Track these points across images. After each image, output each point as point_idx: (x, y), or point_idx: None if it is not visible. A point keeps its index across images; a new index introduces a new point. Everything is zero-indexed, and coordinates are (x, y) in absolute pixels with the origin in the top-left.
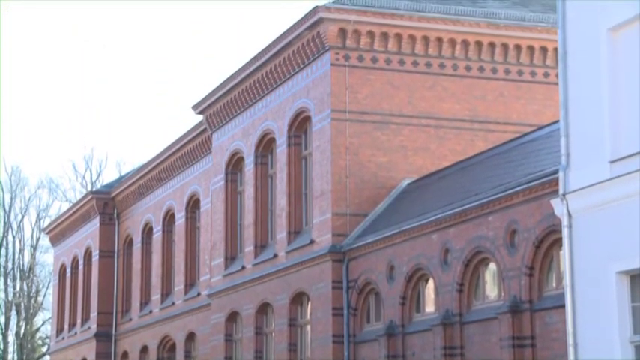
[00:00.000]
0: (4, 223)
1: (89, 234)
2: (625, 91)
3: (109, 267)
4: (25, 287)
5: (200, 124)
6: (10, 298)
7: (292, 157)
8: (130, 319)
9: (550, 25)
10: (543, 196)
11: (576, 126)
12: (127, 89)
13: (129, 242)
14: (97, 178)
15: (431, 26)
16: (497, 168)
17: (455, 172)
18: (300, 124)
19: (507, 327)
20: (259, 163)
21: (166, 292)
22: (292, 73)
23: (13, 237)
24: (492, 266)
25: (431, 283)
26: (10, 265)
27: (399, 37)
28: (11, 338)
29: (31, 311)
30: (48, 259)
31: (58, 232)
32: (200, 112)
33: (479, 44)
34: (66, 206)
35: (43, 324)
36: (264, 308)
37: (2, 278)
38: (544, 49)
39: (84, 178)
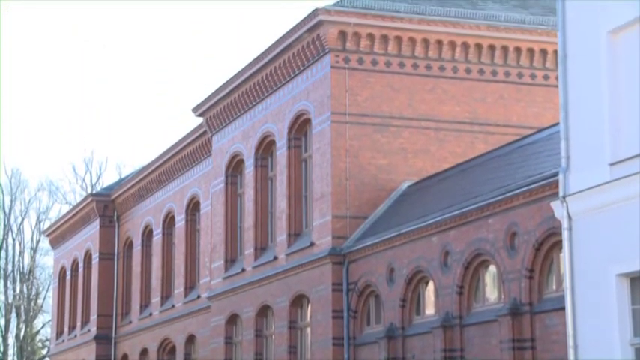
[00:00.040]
0: (4, 225)
1: (89, 236)
2: (625, 94)
3: (109, 269)
4: (25, 290)
5: (200, 126)
6: (10, 301)
7: (292, 160)
8: (130, 322)
9: (550, 28)
10: (543, 199)
11: (576, 128)
12: (127, 89)
13: (129, 245)
14: (97, 181)
15: (431, 29)
16: (498, 170)
17: (455, 175)
18: (300, 126)
19: (507, 329)
20: (259, 165)
21: (166, 294)
22: (292, 75)
23: (13, 239)
24: (492, 269)
25: (431, 286)
26: (10, 268)
27: (399, 39)
28: (11, 341)
29: (31, 314)
30: (48, 261)
31: (58, 235)
32: (200, 115)
33: (479, 47)
34: (66, 209)
35: (43, 326)
36: (264, 311)
37: (2, 281)
38: (544, 52)
39: (84, 180)
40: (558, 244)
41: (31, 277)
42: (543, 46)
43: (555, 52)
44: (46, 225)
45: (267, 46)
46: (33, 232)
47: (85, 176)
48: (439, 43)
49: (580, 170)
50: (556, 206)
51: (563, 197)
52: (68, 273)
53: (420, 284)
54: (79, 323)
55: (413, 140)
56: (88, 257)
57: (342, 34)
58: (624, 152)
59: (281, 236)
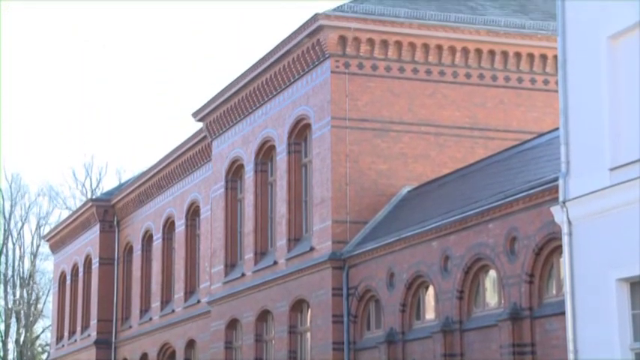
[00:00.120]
0: (4, 230)
1: (89, 241)
2: (625, 99)
3: (108, 274)
4: (25, 295)
5: (200, 131)
6: (10, 306)
7: (292, 165)
8: (130, 327)
9: (550, 33)
10: (543, 204)
11: (576, 133)
12: (127, 90)
13: (129, 250)
14: (97, 186)
15: (431, 34)
16: (497, 175)
17: (455, 180)
18: (300, 131)
19: (507, 334)
20: (259, 170)
21: (166, 299)
22: (292, 80)
23: (13, 244)
24: (492, 273)
25: (431, 291)
26: (10, 273)
27: (399, 44)
28: (11, 346)
29: (31, 319)
30: (48, 266)
31: (58, 240)
32: (200, 120)
33: (479, 52)
34: (66, 214)
35: (42, 331)
36: (264, 316)
37: (2, 286)
38: (544, 57)
39: (84, 185)
40: (558, 248)
41: (31, 282)
42: (543, 51)
43: (555, 57)
44: (46, 230)
45: (267, 51)
46: (33, 237)
47: (85, 181)
48: (439, 48)
49: (580, 175)
50: (556, 211)
51: (563, 202)
52: (68, 278)
53: (420, 289)
54: (79, 328)
55: (413, 145)
56: (88, 262)
57: (342, 39)
58: (624, 157)
59: (281, 241)
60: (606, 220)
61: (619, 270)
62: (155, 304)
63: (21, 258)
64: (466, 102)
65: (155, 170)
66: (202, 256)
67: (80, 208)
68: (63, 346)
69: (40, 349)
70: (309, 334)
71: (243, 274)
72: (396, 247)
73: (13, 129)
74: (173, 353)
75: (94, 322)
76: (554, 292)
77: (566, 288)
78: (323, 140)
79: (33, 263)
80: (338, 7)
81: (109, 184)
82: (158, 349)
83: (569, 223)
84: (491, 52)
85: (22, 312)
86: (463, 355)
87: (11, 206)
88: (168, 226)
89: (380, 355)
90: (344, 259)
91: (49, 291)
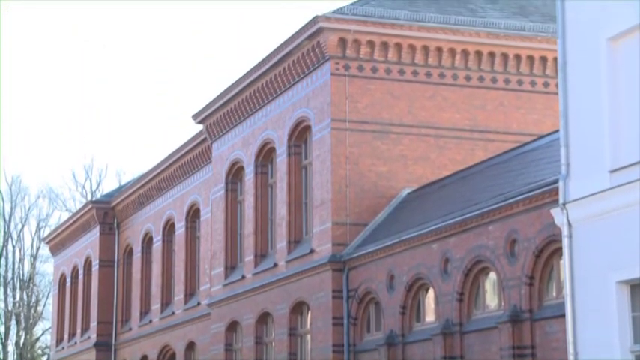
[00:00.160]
0: (4, 232)
1: (89, 243)
2: (625, 101)
3: (108, 276)
4: (25, 297)
5: (200, 133)
6: (9, 308)
7: (292, 167)
8: (130, 329)
9: (550, 35)
10: (543, 206)
11: (576, 135)
12: (127, 90)
13: (129, 252)
14: (97, 188)
15: (431, 36)
16: (497, 177)
17: (455, 182)
18: (300, 133)
19: (507, 336)
20: (259, 172)
21: (166, 301)
22: (292, 82)
23: (13, 246)
24: (492, 275)
25: (431, 293)
26: (10, 275)
27: (398, 46)
28: (11, 348)
29: (31, 321)
30: (48, 268)
31: (58, 242)
32: (200, 122)
33: (479, 54)
34: (66, 216)
35: (42, 334)
36: (264, 318)
37: (2, 288)
38: (544, 59)
39: (84, 187)
40: (558, 251)
41: (31, 285)
42: (543, 53)
43: (555, 59)
44: (46, 232)
45: (267, 54)
46: (33, 239)
47: (85, 183)
48: (439, 50)
49: (580, 177)
50: (556, 213)
51: (563, 204)
52: (68, 280)
53: (420, 291)
54: (78, 330)
55: (413, 147)
56: (88, 264)
57: (342, 42)
58: (624, 159)
59: (281, 243)
60: (606, 222)
61: (619, 272)
62: (155, 306)
63: (21, 260)
64: (466, 104)
65: (155, 172)
66: (202, 258)
67: (80, 210)
68: (63, 348)
69: (40, 352)
70: (309, 336)
71: (243, 276)
72: (396, 249)
73: (13, 131)
74: (173, 355)
75: (94, 324)
76: (554, 294)
77: (566, 290)
78: (323, 142)
79: (33, 265)
80: (338, 9)
81: (109, 186)
82: (158, 351)
83: (569, 225)
84: (491, 55)
85: (22, 314)
86: (463, 357)
87: (11, 208)
88: (169, 228)
89: (380, 357)
90: (344, 261)
91: (49, 293)
